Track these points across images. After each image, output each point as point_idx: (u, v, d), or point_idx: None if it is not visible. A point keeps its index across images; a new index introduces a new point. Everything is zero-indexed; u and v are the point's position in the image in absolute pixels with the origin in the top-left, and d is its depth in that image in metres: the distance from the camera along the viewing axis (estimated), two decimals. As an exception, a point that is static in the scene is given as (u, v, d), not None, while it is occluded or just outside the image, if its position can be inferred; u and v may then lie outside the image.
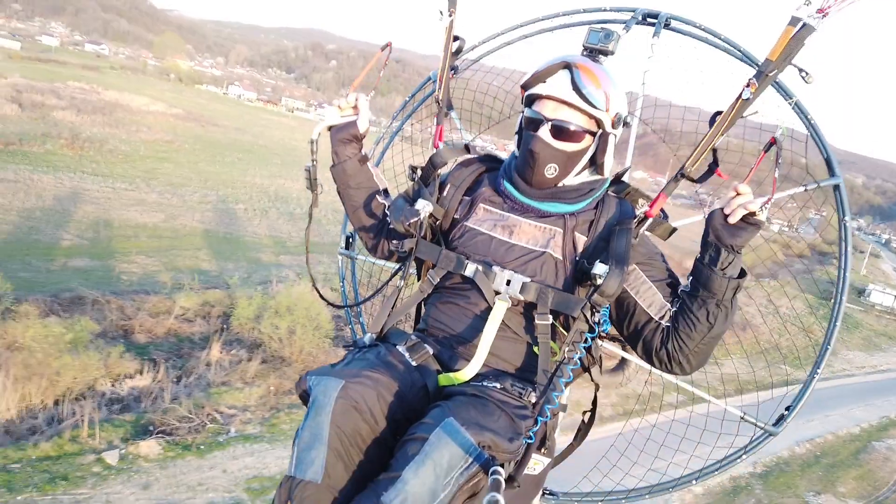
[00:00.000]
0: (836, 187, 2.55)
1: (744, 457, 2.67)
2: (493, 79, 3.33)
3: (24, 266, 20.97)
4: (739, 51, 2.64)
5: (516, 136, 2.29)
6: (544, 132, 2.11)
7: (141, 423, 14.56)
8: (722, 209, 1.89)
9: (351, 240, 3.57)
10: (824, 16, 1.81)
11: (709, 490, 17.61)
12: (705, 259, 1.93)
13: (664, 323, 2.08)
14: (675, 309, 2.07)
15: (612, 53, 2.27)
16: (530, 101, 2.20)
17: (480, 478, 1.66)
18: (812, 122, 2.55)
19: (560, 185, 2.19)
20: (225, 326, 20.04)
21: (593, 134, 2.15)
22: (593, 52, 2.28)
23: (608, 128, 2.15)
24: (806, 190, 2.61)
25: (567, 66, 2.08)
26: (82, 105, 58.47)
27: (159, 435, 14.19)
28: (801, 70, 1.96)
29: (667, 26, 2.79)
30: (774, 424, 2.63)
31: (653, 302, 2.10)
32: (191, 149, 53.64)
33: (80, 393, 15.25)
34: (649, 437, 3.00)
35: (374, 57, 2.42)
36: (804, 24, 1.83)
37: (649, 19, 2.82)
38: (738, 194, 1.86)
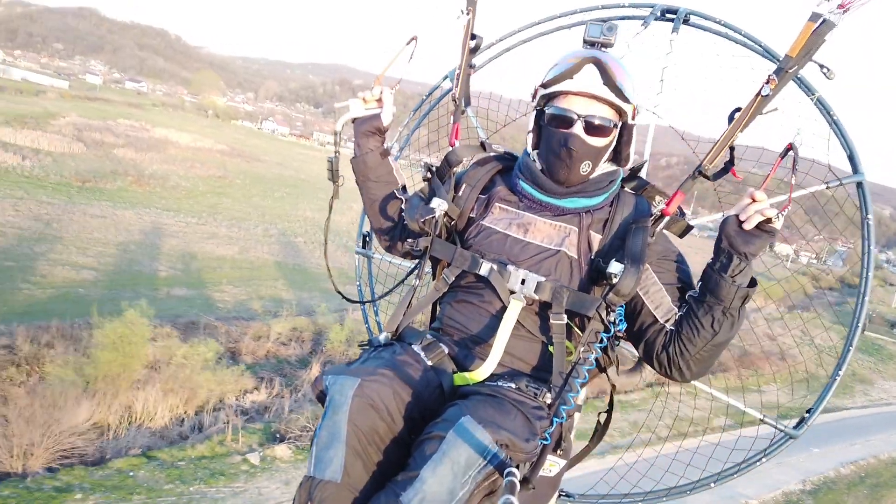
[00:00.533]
0: (860, 184, 2.50)
1: (763, 459, 2.62)
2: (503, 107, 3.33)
3: (136, 295, 23.60)
4: (760, 46, 2.59)
5: (530, 136, 2.24)
6: (579, 129, 2.08)
7: (270, 431, 16.82)
8: (737, 215, 1.87)
9: (368, 238, 3.53)
10: (845, 11, 1.79)
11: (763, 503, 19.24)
12: (716, 265, 1.90)
13: (668, 326, 2.06)
14: (681, 313, 2.04)
15: (613, 45, 2.26)
16: (549, 98, 2.17)
17: (498, 476, 1.65)
18: (835, 118, 2.50)
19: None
20: (322, 349, 22.39)
21: (616, 126, 2.14)
22: (594, 46, 2.25)
23: (630, 119, 2.15)
24: (828, 187, 2.56)
25: (593, 60, 2.06)
26: (136, 142, 62.33)
27: (289, 441, 16.46)
28: (822, 66, 1.95)
29: (686, 22, 2.76)
30: (795, 427, 2.58)
31: (660, 304, 2.07)
32: (242, 184, 56.76)
33: (213, 405, 17.60)
34: (666, 438, 2.98)
35: (400, 50, 2.39)
36: (824, 20, 1.81)
37: (668, 15, 2.79)
38: (753, 201, 1.83)
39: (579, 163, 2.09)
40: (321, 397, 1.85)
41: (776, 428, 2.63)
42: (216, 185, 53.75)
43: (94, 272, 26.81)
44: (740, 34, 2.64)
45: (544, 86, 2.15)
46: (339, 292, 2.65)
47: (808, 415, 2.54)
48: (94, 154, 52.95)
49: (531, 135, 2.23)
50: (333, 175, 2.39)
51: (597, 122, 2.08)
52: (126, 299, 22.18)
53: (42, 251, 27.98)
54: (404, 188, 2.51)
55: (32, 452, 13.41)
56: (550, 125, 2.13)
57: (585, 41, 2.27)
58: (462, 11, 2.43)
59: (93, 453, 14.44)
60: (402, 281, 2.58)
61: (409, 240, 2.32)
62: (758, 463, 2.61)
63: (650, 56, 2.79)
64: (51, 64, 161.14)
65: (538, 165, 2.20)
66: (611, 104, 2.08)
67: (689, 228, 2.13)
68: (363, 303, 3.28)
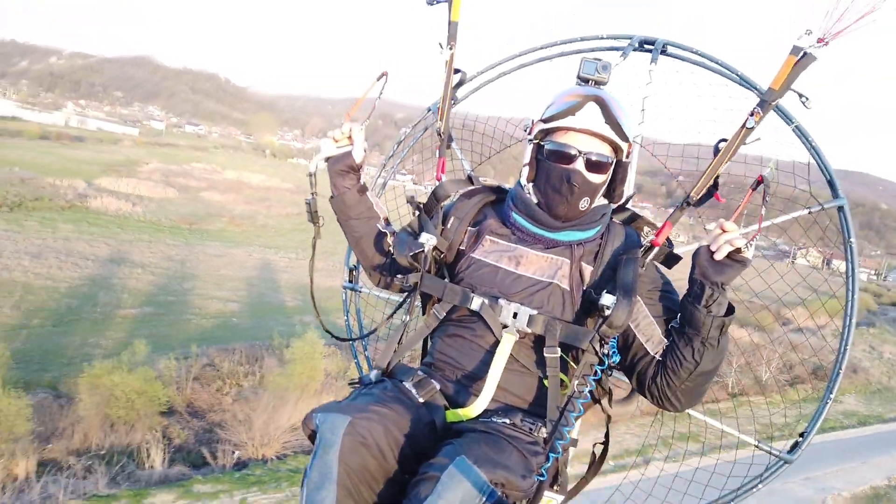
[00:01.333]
0: (840, 209, 2.55)
1: (759, 486, 2.59)
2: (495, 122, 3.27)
3: (281, 323, 27.30)
4: (737, 74, 2.64)
5: (526, 168, 2.23)
6: (581, 165, 2.10)
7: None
8: (708, 246, 1.89)
9: (354, 272, 3.50)
10: (825, 45, 1.86)
11: (854, 496, 21.44)
12: (690, 296, 1.92)
13: (658, 357, 2.06)
14: (668, 344, 2.05)
15: (606, 83, 2.29)
16: (547, 133, 2.18)
17: None
18: (814, 145, 2.54)
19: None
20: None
21: (611, 164, 2.17)
22: (588, 83, 2.28)
23: (625, 157, 2.18)
24: (810, 212, 2.60)
25: (595, 98, 2.09)
26: (216, 185, 66.35)
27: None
28: (801, 95, 2.03)
29: (664, 52, 2.80)
30: (789, 452, 2.59)
31: (651, 336, 2.08)
32: (318, 220, 60.80)
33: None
34: (662, 469, 3.00)
35: (370, 85, 2.38)
36: (805, 54, 1.89)
37: (646, 46, 2.83)
38: (724, 231, 1.85)
39: (580, 198, 2.11)
40: (312, 437, 1.83)
41: (771, 454, 2.64)
42: (297, 222, 57.08)
43: (236, 304, 30.99)
44: (717, 63, 2.70)
45: (545, 121, 2.16)
46: (328, 331, 2.67)
47: (801, 439, 2.56)
48: (186, 198, 57.45)
49: (527, 168, 2.22)
50: (313, 217, 2.42)
51: (597, 158, 2.10)
52: (272, 327, 25.91)
53: (189, 287, 32.45)
54: (387, 221, 2.50)
55: (266, 443, 17.10)
56: (550, 160, 2.14)
57: (580, 78, 2.31)
58: (441, 46, 2.48)
59: (303, 446, 17.97)
60: (391, 316, 2.50)
61: (399, 275, 2.34)
62: (754, 490, 2.60)
63: (630, 86, 2.73)
64: (114, 112, 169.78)
65: (534, 199, 2.22)
66: (610, 142, 2.12)
67: (676, 259, 2.17)
68: (352, 340, 3.20)
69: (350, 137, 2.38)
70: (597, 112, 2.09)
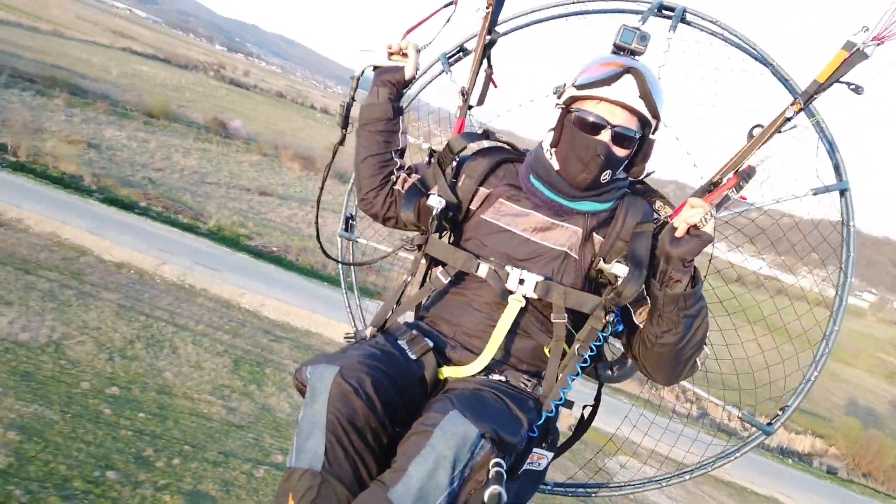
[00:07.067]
0: (843, 192, 2.55)
1: (737, 455, 2.67)
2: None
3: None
4: (756, 50, 2.59)
5: (550, 133, 2.18)
6: (608, 137, 2.05)
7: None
8: (672, 223, 1.89)
9: (351, 221, 3.44)
10: (880, 44, 1.83)
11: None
12: (652, 272, 1.94)
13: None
14: None
15: (643, 54, 2.23)
16: (576, 99, 2.12)
17: (486, 469, 1.63)
18: (826, 131, 2.53)
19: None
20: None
21: (637, 138, 2.11)
22: (624, 52, 2.21)
23: (651, 133, 2.13)
24: (815, 194, 2.59)
25: (633, 71, 2.02)
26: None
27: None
28: (849, 84, 1.99)
29: (683, 20, 2.72)
30: (769, 424, 2.63)
31: (642, 308, 2.08)
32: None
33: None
34: (647, 433, 2.99)
35: (437, 10, 2.31)
36: (858, 50, 1.85)
37: (665, 11, 2.75)
38: (690, 208, 1.85)
39: (602, 170, 2.07)
40: (302, 389, 1.79)
41: (752, 424, 2.69)
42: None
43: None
44: (737, 37, 2.64)
45: (578, 87, 2.09)
46: (325, 251, 2.64)
47: (781, 413, 2.60)
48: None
49: (553, 132, 2.17)
50: (343, 121, 2.32)
51: (624, 132, 2.06)
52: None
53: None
54: (402, 153, 2.40)
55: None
56: (577, 127, 2.09)
57: (616, 46, 2.23)
58: (478, 6, 2.44)
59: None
60: (388, 255, 2.55)
61: (402, 238, 2.38)
62: (732, 457, 2.67)
63: (647, 57, 2.60)
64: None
65: (555, 165, 2.16)
66: (640, 116, 2.07)
67: None
68: (341, 263, 3.26)
69: (406, 55, 2.32)
70: (632, 85, 2.02)
